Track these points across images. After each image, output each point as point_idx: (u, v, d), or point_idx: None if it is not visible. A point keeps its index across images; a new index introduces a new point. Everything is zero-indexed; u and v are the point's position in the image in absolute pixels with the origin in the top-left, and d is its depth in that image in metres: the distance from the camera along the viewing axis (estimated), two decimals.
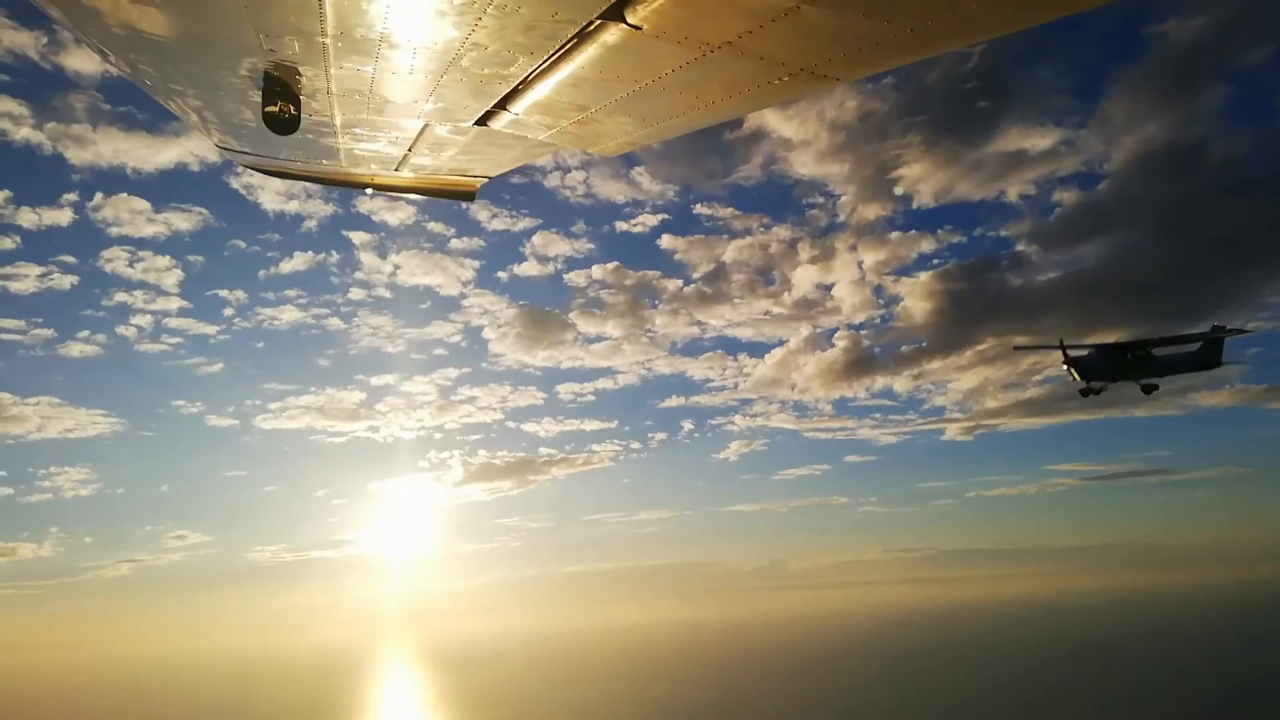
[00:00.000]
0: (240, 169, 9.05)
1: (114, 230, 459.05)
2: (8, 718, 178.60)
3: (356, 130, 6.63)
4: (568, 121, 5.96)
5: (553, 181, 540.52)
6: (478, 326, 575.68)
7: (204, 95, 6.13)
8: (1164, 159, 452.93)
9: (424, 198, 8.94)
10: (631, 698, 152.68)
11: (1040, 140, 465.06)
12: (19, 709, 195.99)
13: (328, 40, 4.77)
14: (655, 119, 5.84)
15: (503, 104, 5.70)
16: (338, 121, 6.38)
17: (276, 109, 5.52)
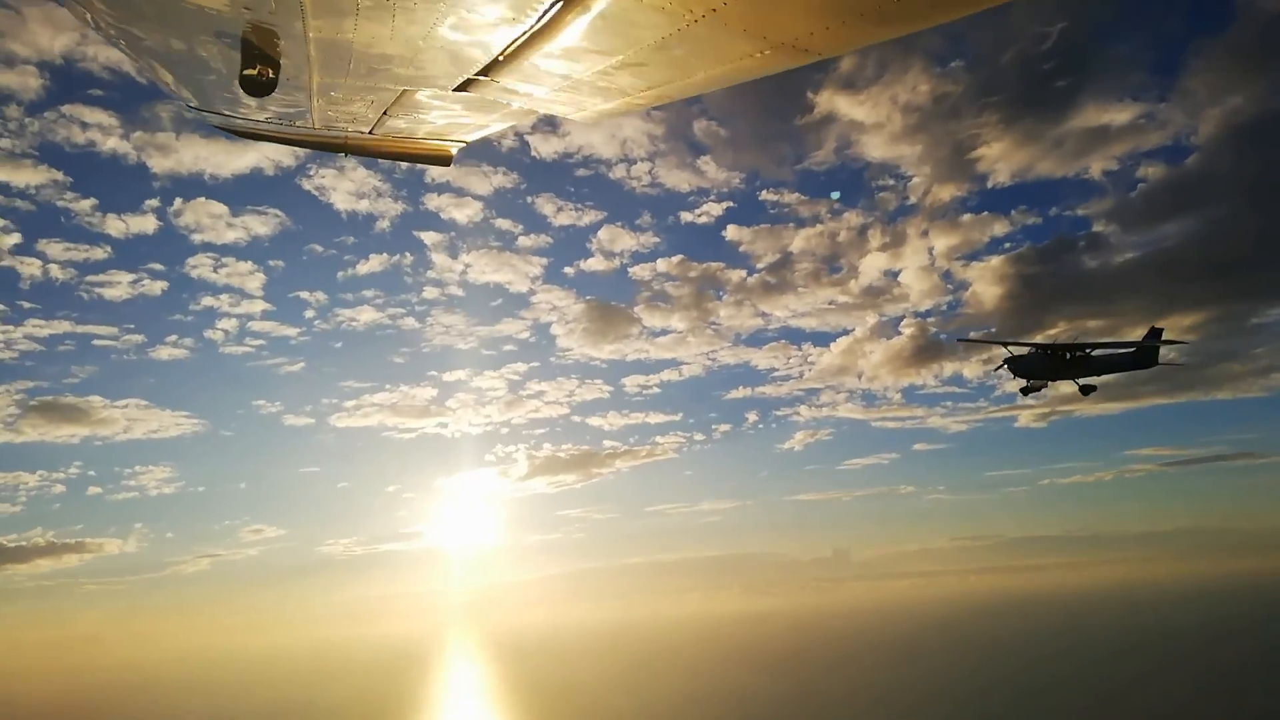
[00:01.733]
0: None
1: (196, 237, 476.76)
2: (100, 712, 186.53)
3: (333, 94, 6.57)
4: (549, 89, 5.93)
5: (618, 173, 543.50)
6: (546, 323, 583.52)
7: (180, 57, 6.03)
8: (1255, 131, 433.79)
9: (399, 162, 8.89)
10: (695, 688, 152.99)
11: (1120, 115, 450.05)
12: (109, 702, 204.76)
13: (306, 2, 4.73)
14: (637, 88, 5.81)
15: (485, 70, 5.66)
16: (315, 85, 6.32)
17: (255, 72, 5.47)
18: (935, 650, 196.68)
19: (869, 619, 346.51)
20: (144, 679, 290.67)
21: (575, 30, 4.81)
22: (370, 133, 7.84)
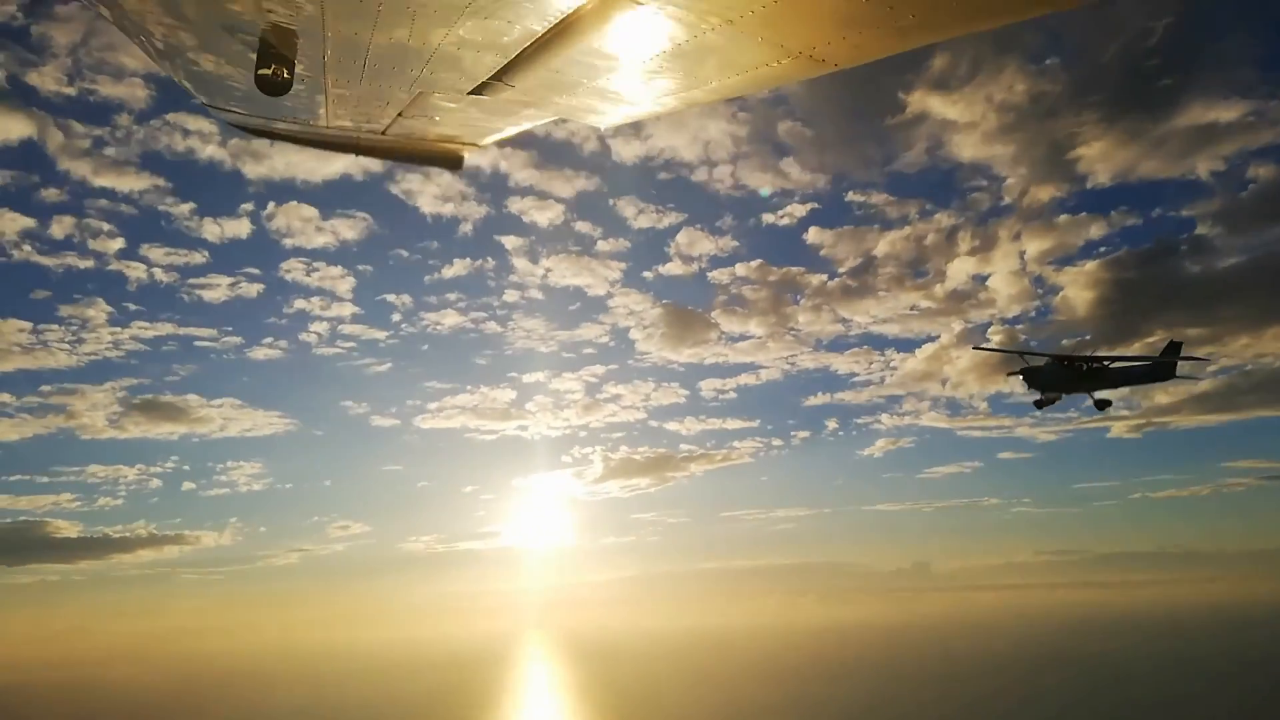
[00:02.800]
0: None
1: (288, 241, 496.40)
2: (201, 696, 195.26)
3: (348, 95, 6.64)
4: (563, 94, 5.99)
5: (700, 175, 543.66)
6: (624, 327, 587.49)
7: (197, 54, 6.08)
8: None
9: (409, 164, 9.03)
10: (769, 695, 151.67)
11: (1227, 113, 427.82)
12: (209, 687, 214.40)
13: (325, 3, 4.79)
14: (652, 95, 5.86)
15: (500, 74, 5.69)
16: (330, 86, 6.38)
17: (270, 71, 5.49)
18: (1020, 665, 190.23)
19: (950, 631, 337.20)
20: (241, 665, 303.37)
21: (591, 36, 4.84)
22: (383, 134, 7.89)
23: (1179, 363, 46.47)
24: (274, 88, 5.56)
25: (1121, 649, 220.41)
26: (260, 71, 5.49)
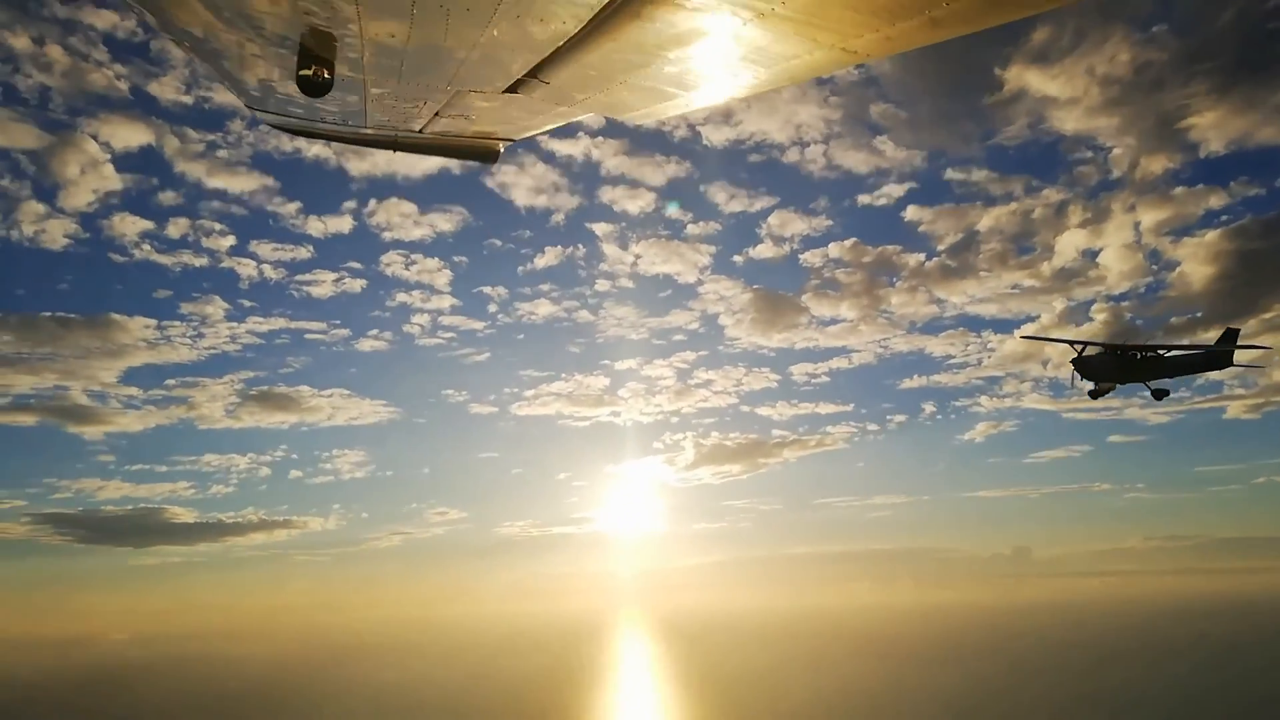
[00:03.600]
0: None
1: (387, 235, 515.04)
2: (316, 670, 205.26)
3: (386, 94, 6.75)
4: (598, 91, 6.05)
5: (791, 156, 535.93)
6: (714, 314, 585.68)
7: (240, 58, 6.21)
8: None
9: (446, 157, 9.16)
10: (862, 678, 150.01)
11: None
12: (323, 663, 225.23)
13: (363, 5, 4.87)
14: (686, 89, 5.88)
15: (534, 72, 5.75)
16: (369, 85, 6.47)
17: (310, 72, 5.58)
18: (1131, 651, 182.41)
19: (1054, 616, 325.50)
20: (352, 639, 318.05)
21: (625, 33, 4.88)
22: (421, 132, 7.98)
23: (1236, 352, 45.40)
24: (315, 89, 5.69)
25: (1244, 634, 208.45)
26: (301, 73, 5.62)
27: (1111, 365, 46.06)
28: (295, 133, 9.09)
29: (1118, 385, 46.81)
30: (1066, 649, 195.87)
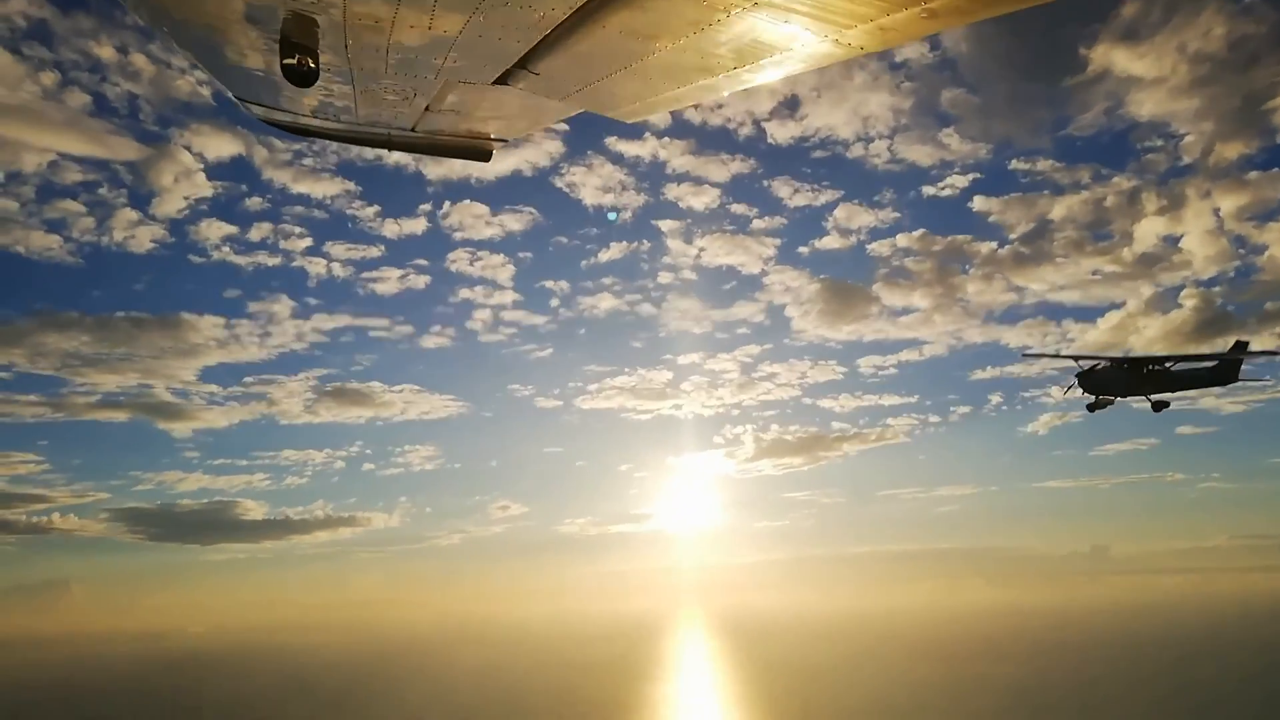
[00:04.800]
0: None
1: (458, 235, 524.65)
2: (377, 664, 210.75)
3: (373, 86, 6.55)
4: (588, 83, 5.89)
5: (856, 151, 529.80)
6: (780, 304, 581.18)
7: (225, 46, 6.01)
8: None
9: (439, 156, 8.81)
10: (928, 678, 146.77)
11: None
12: (385, 657, 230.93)
13: None
14: (678, 83, 5.72)
15: (523, 62, 5.60)
16: (355, 76, 6.29)
17: (295, 61, 5.36)
18: (1215, 652, 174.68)
19: (1136, 616, 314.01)
20: (417, 633, 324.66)
21: (614, 21, 4.75)
22: (413, 129, 7.87)
23: (1243, 365, 44.88)
24: (300, 78, 5.44)
25: None
26: (285, 61, 5.39)
27: (1117, 379, 46.00)
28: (287, 128, 8.76)
29: (1116, 399, 46.77)
30: (1145, 647, 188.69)
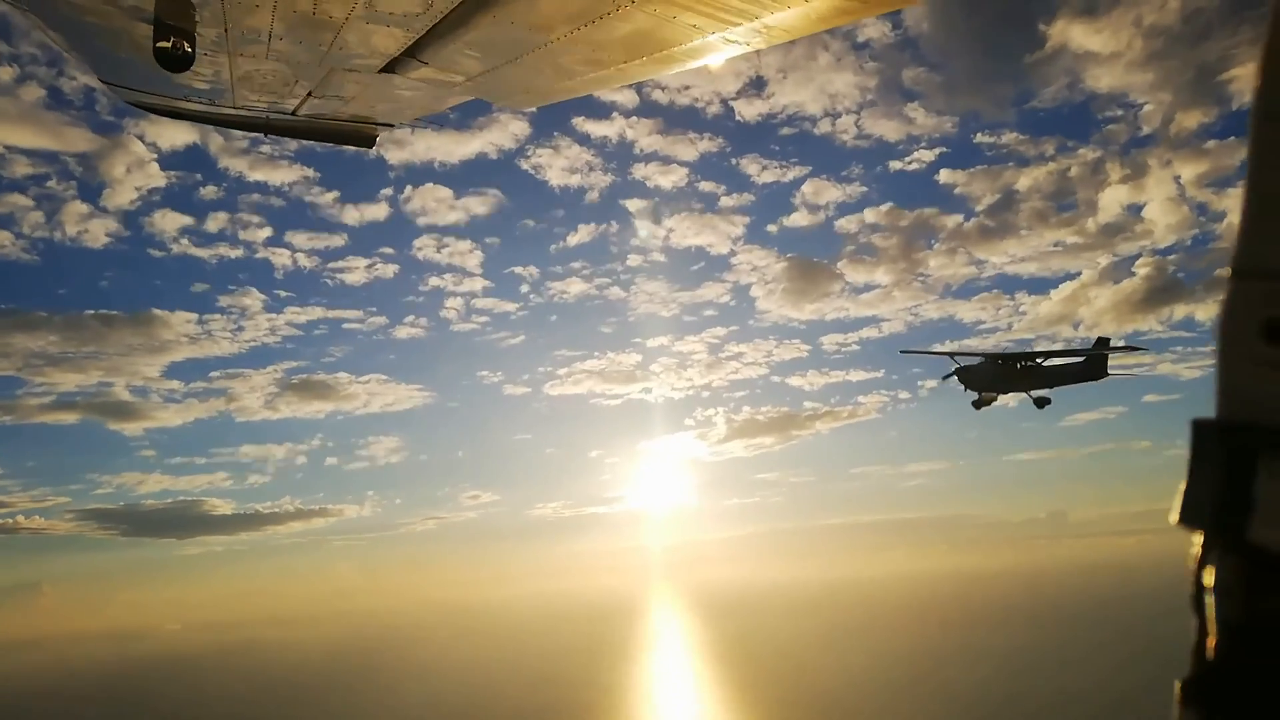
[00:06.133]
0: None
1: (421, 220, 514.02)
2: (364, 654, 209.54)
3: (254, 71, 6.33)
4: (480, 73, 5.83)
5: (823, 128, 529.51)
6: (746, 284, 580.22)
7: (94, 27, 5.71)
8: None
9: (320, 143, 8.69)
10: (898, 643, 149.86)
11: None
12: (369, 645, 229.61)
13: None
14: (569, 75, 5.71)
15: (411, 51, 5.50)
16: (234, 61, 6.08)
17: (169, 44, 5.08)
18: (1175, 607, 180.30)
19: (1093, 576, 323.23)
20: (395, 621, 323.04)
21: (505, 14, 4.73)
22: (293, 114, 7.61)
23: (1110, 360, 46.35)
24: (174, 62, 5.13)
25: None
26: (159, 44, 5.08)
27: (993, 375, 46.16)
28: (156, 112, 8.37)
29: (999, 396, 46.94)
30: (1109, 605, 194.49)
